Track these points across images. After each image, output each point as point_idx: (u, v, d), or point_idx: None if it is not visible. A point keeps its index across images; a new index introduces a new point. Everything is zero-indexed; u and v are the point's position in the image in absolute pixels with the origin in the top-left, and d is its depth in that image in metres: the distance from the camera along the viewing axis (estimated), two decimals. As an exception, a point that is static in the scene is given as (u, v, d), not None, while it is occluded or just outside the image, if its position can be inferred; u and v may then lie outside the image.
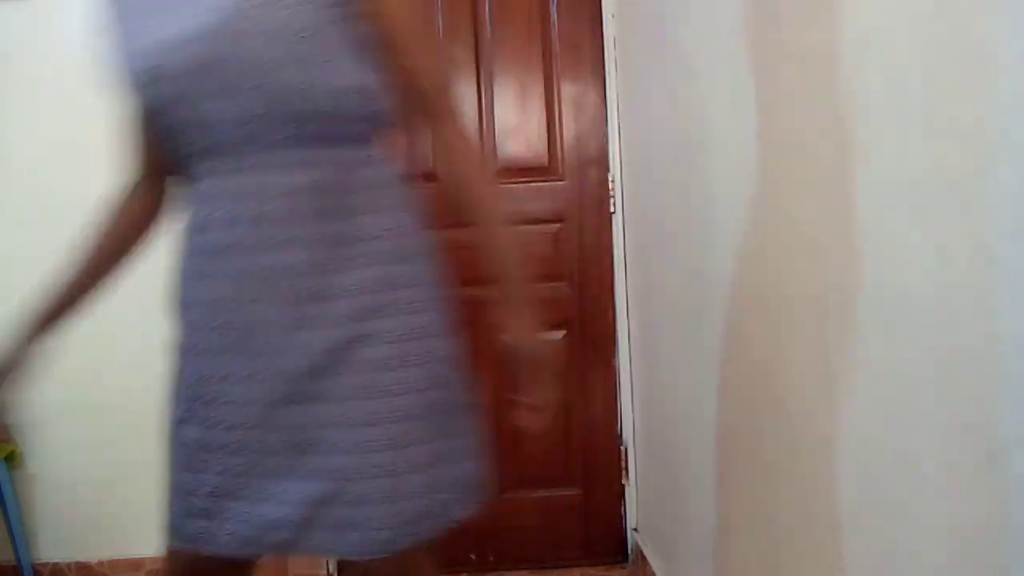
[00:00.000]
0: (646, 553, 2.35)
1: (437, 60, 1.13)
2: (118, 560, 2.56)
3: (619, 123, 2.50)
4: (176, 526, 1.11)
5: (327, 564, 2.57)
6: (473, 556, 2.58)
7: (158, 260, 2.62)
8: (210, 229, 1.06)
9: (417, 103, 1.11)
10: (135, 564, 2.56)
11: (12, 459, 2.49)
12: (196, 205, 1.09)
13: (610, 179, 2.54)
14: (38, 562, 2.54)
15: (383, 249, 1.07)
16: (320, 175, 1.04)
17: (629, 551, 2.58)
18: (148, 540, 2.56)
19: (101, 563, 2.56)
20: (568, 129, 2.56)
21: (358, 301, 1.04)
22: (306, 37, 0.99)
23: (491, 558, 2.58)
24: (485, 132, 2.54)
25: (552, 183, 2.56)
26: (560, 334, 2.57)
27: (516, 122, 2.55)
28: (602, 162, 2.55)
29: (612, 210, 2.54)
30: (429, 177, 2.54)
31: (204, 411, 1.08)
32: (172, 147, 1.10)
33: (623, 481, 2.58)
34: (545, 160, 2.55)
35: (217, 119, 1.02)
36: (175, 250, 1.15)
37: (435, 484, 1.05)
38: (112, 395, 2.55)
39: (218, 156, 1.04)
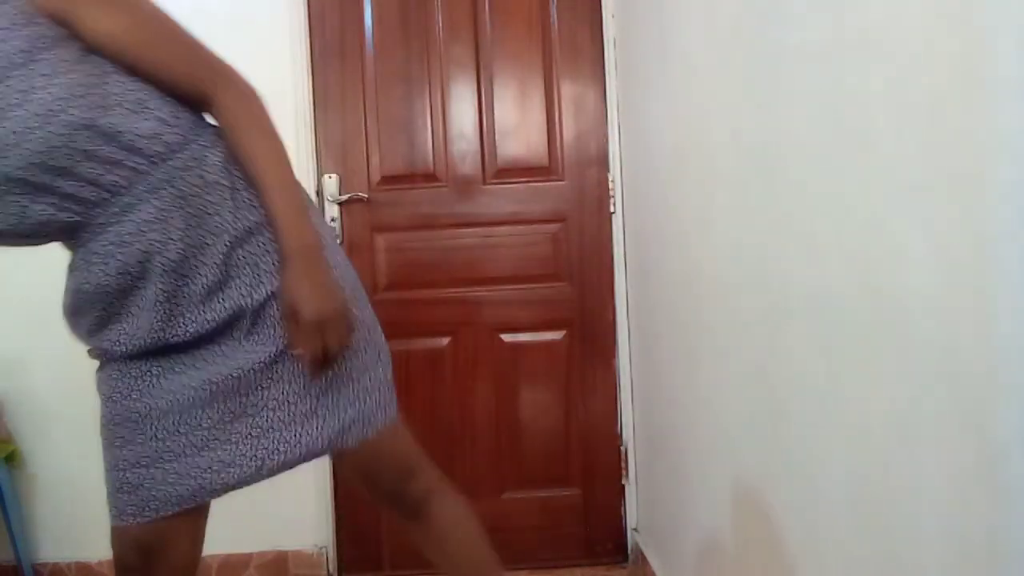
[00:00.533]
0: (646, 553, 2.35)
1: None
2: (118, 560, 2.56)
3: (619, 123, 2.50)
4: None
5: (327, 564, 2.57)
6: (473, 556, 2.58)
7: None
8: None
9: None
10: (135, 564, 2.56)
11: (12, 459, 2.49)
12: None
13: (610, 179, 2.54)
14: (38, 562, 2.54)
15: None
16: None
17: (629, 551, 2.58)
18: (148, 540, 2.57)
19: (101, 563, 2.56)
20: (568, 129, 2.56)
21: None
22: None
23: (491, 558, 2.58)
24: (485, 132, 2.54)
25: (552, 183, 2.56)
26: (560, 334, 2.57)
27: (516, 122, 2.55)
28: (602, 162, 2.55)
29: (612, 210, 2.54)
30: (429, 177, 2.55)
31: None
32: None
33: (623, 481, 2.58)
34: (545, 160, 2.55)
35: None
36: None
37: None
38: (112, 395, 2.55)
39: None
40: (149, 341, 1.17)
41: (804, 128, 1.09)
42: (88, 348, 1.26)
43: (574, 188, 2.56)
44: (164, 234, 1.13)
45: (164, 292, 1.15)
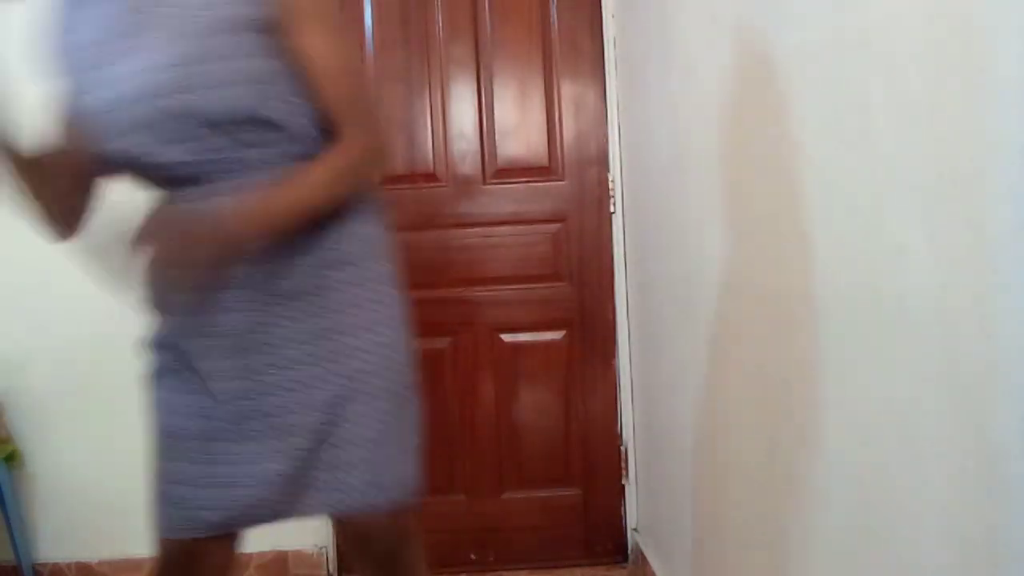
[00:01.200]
0: (646, 553, 2.35)
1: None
2: (118, 560, 2.56)
3: (619, 123, 2.50)
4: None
5: (327, 565, 2.57)
6: (473, 556, 2.58)
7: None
8: None
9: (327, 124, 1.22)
10: (135, 564, 2.56)
11: (12, 459, 2.49)
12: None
13: (610, 179, 2.54)
14: (38, 562, 2.54)
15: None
16: None
17: (629, 551, 2.58)
18: (148, 540, 2.56)
19: (101, 563, 2.56)
20: (568, 129, 2.56)
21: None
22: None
23: (491, 558, 2.58)
24: (485, 132, 2.54)
25: (552, 183, 2.55)
26: (560, 334, 2.57)
27: (516, 122, 2.55)
28: (602, 162, 2.55)
29: (612, 210, 2.54)
30: (429, 177, 2.55)
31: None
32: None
33: (623, 481, 2.58)
34: (545, 160, 2.55)
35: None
36: None
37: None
38: (112, 395, 2.55)
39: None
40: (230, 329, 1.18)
41: (804, 128, 1.09)
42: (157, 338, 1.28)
43: (574, 188, 2.56)
44: None
45: (250, 275, 1.17)
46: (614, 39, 2.51)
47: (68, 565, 2.55)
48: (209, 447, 1.20)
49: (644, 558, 2.35)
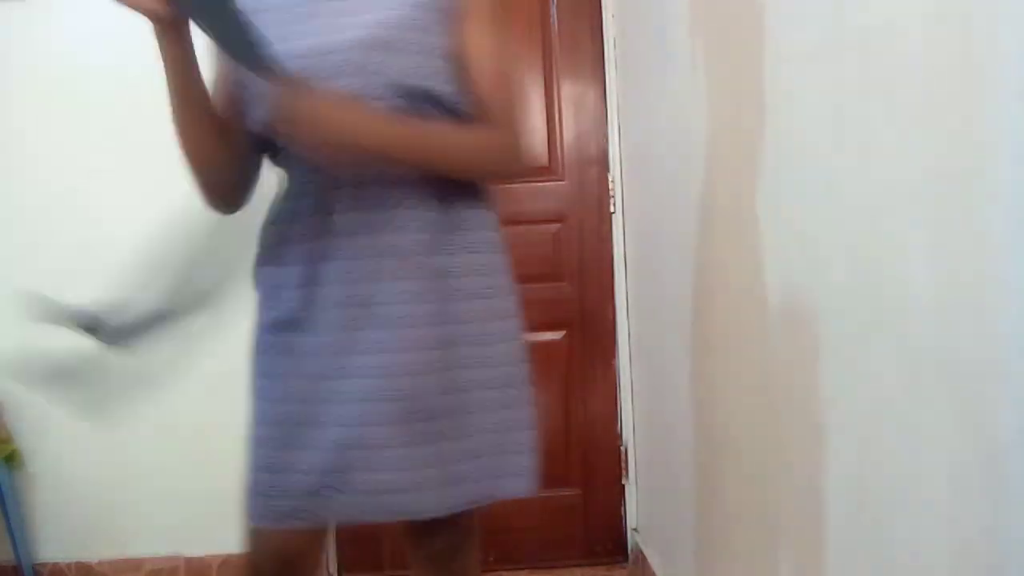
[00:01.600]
0: (646, 553, 2.35)
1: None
2: (118, 560, 2.56)
3: (619, 123, 2.50)
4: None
5: (327, 564, 2.57)
6: (473, 556, 2.58)
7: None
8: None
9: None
10: (135, 564, 2.56)
11: (12, 459, 2.49)
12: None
13: (610, 179, 2.54)
14: (38, 562, 2.54)
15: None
16: None
17: (629, 551, 2.58)
18: (148, 540, 2.56)
19: (101, 563, 2.56)
20: (568, 129, 2.56)
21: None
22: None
23: (491, 558, 2.58)
24: (485, 132, 2.54)
25: (552, 183, 2.56)
26: (560, 334, 2.57)
27: (516, 122, 2.55)
28: (602, 162, 2.55)
29: (612, 210, 2.54)
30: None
31: None
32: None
33: (623, 481, 2.58)
34: (545, 160, 2.55)
35: None
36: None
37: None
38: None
39: None
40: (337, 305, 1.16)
41: (804, 128, 1.09)
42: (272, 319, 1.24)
43: (574, 188, 2.56)
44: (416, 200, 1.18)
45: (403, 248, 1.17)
46: (614, 39, 2.51)
47: (68, 565, 2.55)
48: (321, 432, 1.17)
49: (644, 558, 2.35)
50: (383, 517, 1.18)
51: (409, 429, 1.15)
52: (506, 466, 1.24)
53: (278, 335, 1.21)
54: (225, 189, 1.28)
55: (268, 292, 1.25)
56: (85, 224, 2.52)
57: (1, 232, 2.55)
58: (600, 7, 2.53)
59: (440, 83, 1.17)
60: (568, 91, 2.55)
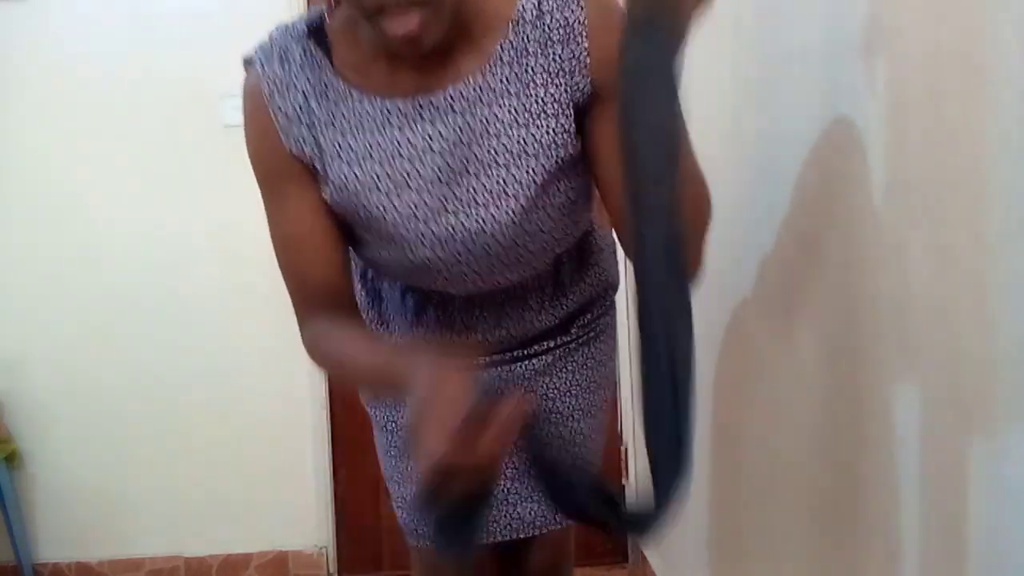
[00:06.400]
0: (646, 553, 2.35)
1: None
2: (118, 560, 2.56)
3: (619, 123, 2.50)
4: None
5: (327, 565, 2.57)
6: (473, 556, 2.58)
7: (152, 267, 2.61)
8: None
9: None
10: (135, 564, 2.56)
11: (12, 459, 2.49)
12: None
13: (610, 179, 2.53)
14: (38, 562, 2.54)
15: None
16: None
17: (629, 551, 2.58)
18: (148, 540, 2.57)
19: (101, 563, 2.56)
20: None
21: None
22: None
23: (491, 558, 2.58)
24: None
25: (552, 183, 2.55)
26: (560, 334, 2.57)
27: (516, 122, 2.54)
28: (602, 162, 2.55)
29: (612, 210, 2.54)
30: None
31: None
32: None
33: (623, 481, 2.58)
34: (545, 160, 2.55)
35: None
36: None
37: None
38: (112, 396, 2.55)
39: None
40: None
41: (804, 128, 1.09)
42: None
43: (574, 188, 2.56)
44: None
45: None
46: (614, 39, 2.50)
47: (68, 565, 2.55)
48: None
49: (644, 558, 2.35)
50: (514, 533, 1.19)
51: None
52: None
53: None
54: None
55: None
56: (85, 224, 2.52)
57: (1, 232, 2.55)
58: (600, 7, 2.53)
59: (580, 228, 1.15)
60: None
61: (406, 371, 0.83)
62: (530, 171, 0.96)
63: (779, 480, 1.25)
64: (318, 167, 0.97)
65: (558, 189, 0.99)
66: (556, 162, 0.97)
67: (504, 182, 0.96)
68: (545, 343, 1.19)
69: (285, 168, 0.98)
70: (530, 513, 1.18)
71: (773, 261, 1.24)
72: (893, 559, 0.91)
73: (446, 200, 0.96)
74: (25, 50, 2.52)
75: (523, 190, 0.96)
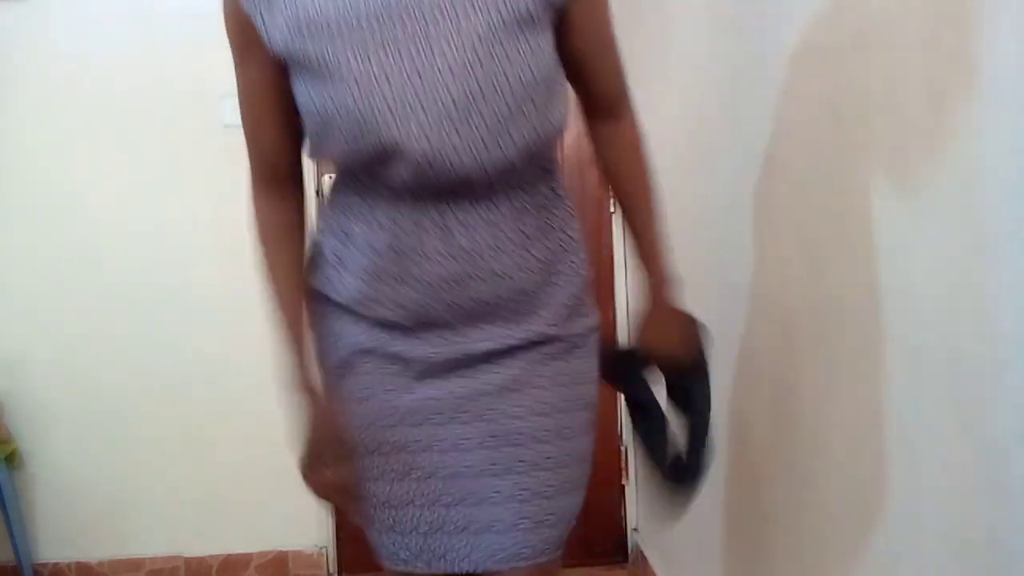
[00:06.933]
0: (646, 553, 2.35)
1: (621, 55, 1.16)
2: (118, 560, 2.56)
3: (619, 123, 2.50)
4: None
5: (327, 565, 2.57)
6: (473, 556, 2.58)
7: (152, 267, 2.61)
8: (413, 255, 1.05)
9: (604, 103, 1.17)
10: (135, 564, 2.56)
11: (12, 459, 2.49)
12: (400, 228, 1.05)
13: (610, 179, 2.54)
14: (38, 562, 2.54)
15: (574, 271, 1.16)
16: (533, 200, 1.10)
17: (629, 551, 2.58)
18: (148, 540, 2.56)
19: (101, 563, 2.56)
20: (568, 129, 2.55)
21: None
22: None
23: (491, 558, 2.58)
24: (485, 132, 2.54)
25: (552, 183, 2.55)
26: (560, 334, 2.57)
27: (516, 122, 2.54)
28: (602, 162, 2.55)
29: (612, 210, 2.54)
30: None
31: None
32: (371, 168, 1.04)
33: (623, 481, 2.58)
34: (545, 160, 2.55)
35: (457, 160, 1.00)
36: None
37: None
38: (112, 396, 2.55)
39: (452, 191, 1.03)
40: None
41: (804, 128, 1.09)
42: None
43: (574, 188, 2.56)
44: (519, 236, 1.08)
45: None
46: (614, 39, 2.50)
47: (68, 565, 2.55)
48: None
49: (644, 558, 2.35)
50: (496, 563, 1.08)
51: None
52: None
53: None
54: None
55: None
56: (85, 224, 2.52)
57: (1, 232, 2.55)
58: (600, 7, 2.53)
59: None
60: (568, 91, 2.54)
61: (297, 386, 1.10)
62: (485, 15, 0.97)
63: (779, 479, 1.25)
64: (265, 18, 1.01)
65: (514, 46, 0.98)
66: (512, 13, 0.97)
67: (457, 20, 0.97)
68: (511, 343, 1.08)
69: (245, 32, 1.03)
70: (514, 543, 1.07)
71: (773, 260, 1.24)
72: (893, 558, 0.91)
73: (396, 39, 0.97)
74: (25, 50, 2.52)
75: (476, 33, 0.96)
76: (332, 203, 1.13)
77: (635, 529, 2.55)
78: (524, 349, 1.09)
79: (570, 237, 1.15)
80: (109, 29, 2.54)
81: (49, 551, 2.55)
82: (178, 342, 2.55)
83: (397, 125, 0.97)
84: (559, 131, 1.07)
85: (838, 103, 0.99)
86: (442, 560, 1.10)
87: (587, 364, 1.15)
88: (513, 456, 1.07)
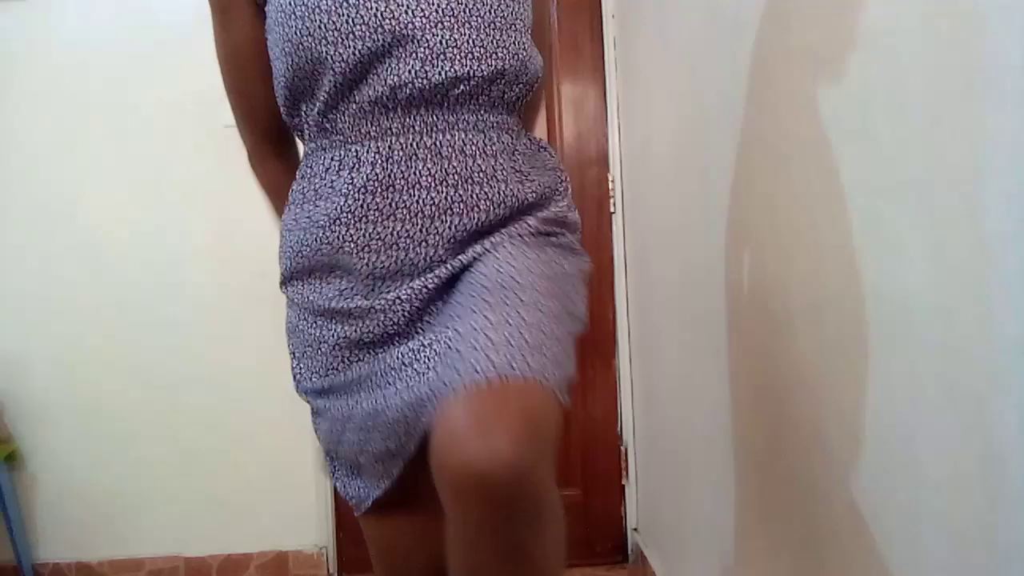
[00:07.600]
0: (646, 553, 2.35)
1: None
2: (118, 560, 2.56)
3: (619, 123, 2.50)
4: None
5: (327, 564, 2.57)
6: (473, 556, 2.58)
7: (152, 267, 2.61)
8: (395, 188, 1.00)
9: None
10: (135, 564, 2.56)
11: (12, 459, 2.49)
12: (376, 163, 1.01)
13: (610, 179, 2.54)
14: (38, 562, 2.54)
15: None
16: (508, 139, 1.07)
17: (629, 551, 2.58)
18: (148, 540, 2.56)
19: (101, 563, 2.56)
20: (568, 129, 2.55)
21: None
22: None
23: (491, 558, 2.58)
24: (485, 132, 2.54)
25: (552, 183, 2.55)
26: (560, 334, 2.57)
27: (516, 122, 2.55)
28: (602, 162, 2.55)
29: (612, 210, 2.54)
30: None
31: None
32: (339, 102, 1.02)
33: (623, 481, 2.58)
34: (545, 160, 2.55)
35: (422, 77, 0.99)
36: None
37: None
38: (112, 396, 2.55)
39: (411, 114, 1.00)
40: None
41: (804, 128, 1.09)
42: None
43: (574, 188, 2.56)
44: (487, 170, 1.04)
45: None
46: (614, 39, 2.51)
47: (68, 565, 2.55)
48: None
49: (644, 558, 2.35)
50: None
51: None
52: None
53: None
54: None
55: None
56: (85, 224, 2.52)
57: (0, 232, 2.55)
58: (600, 7, 2.53)
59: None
60: (568, 91, 2.55)
61: None
62: None
63: (779, 479, 1.25)
64: None
65: None
66: None
67: None
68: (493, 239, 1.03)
69: None
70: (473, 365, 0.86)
71: (773, 260, 1.24)
72: (893, 558, 0.91)
73: None
74: (25, 50, 2.52)
75: None
76: (294, 188, 1.10)
77: (635, 529, 2.55)
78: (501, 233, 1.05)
79: (562, 179, 1.16)
80: (109, 29, 2.54)
81: (49, 551, 2.55)
82: (178, 342, 2.55)
83: (398, 18, 0.98)
84: (537, 76, 1.09)
85: (838, 103, 0.99)
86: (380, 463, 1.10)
87: (570, 261, 1.12)
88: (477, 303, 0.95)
